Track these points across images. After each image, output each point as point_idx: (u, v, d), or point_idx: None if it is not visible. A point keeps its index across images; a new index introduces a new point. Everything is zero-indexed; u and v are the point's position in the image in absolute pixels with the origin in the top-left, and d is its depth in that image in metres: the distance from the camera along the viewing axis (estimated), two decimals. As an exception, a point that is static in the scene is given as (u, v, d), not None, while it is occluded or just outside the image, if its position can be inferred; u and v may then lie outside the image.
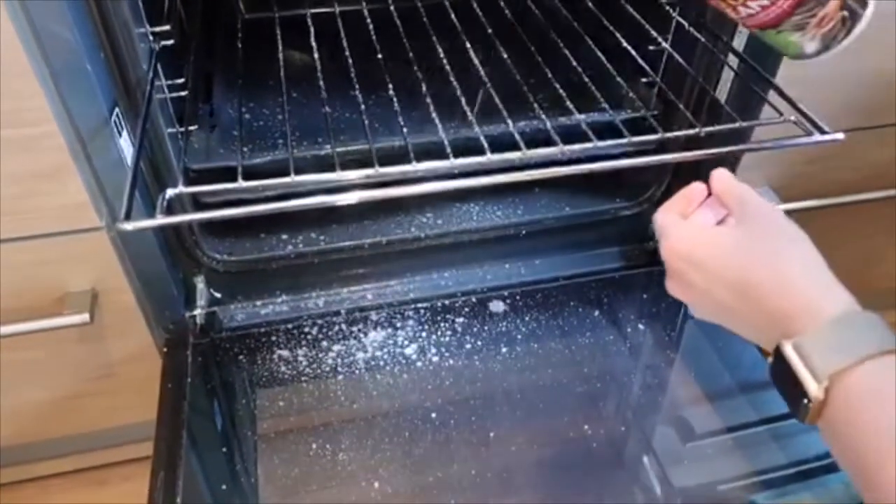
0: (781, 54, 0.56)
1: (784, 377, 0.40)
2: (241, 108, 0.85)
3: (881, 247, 1.00)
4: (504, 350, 0.75)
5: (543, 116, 0.70)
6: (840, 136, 0.60)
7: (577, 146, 0.59)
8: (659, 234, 0.49)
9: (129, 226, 0.52)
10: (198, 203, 0.76)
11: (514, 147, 0.62)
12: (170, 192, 0.57)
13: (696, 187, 0.50)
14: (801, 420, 0.40)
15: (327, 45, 0.81)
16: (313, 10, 0.87)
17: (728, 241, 0.45)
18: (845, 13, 0.50)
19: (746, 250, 0.44)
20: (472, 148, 0.80)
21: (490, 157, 0.60)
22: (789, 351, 0.40)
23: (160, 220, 0.55)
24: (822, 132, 0.61)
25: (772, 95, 0.69)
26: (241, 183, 0.59)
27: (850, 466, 0.39)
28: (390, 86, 0.74)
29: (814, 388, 0.39)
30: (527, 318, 0.79)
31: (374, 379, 0.72)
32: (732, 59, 0.73)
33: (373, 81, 0.85)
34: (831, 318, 0.40)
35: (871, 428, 0.37)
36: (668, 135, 0.62)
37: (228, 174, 0.75)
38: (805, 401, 0.39)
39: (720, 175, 0.50)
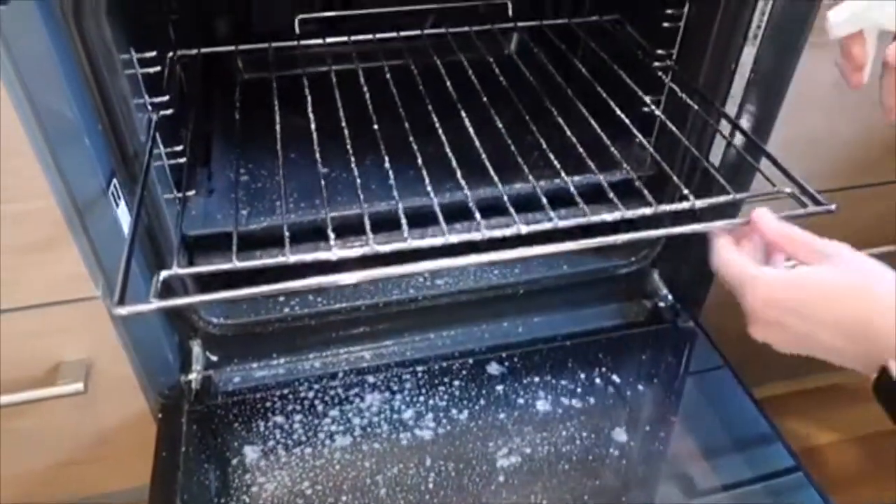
0: None
1: (890, 394, 0.42)
2: (238, 171, 0.85)
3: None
4: (502, 415, 0.74)
5: (534, 182, 0.71)
6: (833, 206, 0.60)
7: (571, 221, 0.59)
8: (735, 285, 0.50)
9: (123, 311, 0.51)
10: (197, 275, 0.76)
11: (508, 211, 0.63)
12: (164, 273, 0.57)
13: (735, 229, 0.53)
14: None
15: (323, 106, 0.82)
16: (309, 70, 0.88)
17: (823, 282, 0.46)
18: None
19: (852, 288, 0.45)
20: (466, 211, 0.81)
21: (484, 233, 0.60)
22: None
23: (154, 304, 0.54)
24: (817, 203, 0.61)
25: (765, 163, 0.69)
26: (236, 263, 0.60)
27: None
28: (383, 148, 0.75)
29: None
30: (525, 381, 0.78)
31: (371, 446, 0.71)
32: (725, 125, 0.74)
33: (367, 142, 0.86)
34: None
35: None
36: (661, 207, 0.62)
37: (227, 240, 0.75)
38: None
39: (767, 216, 0.52)
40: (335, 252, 0.60)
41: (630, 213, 0.62)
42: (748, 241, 0.53)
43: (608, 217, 0.61)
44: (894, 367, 0.42)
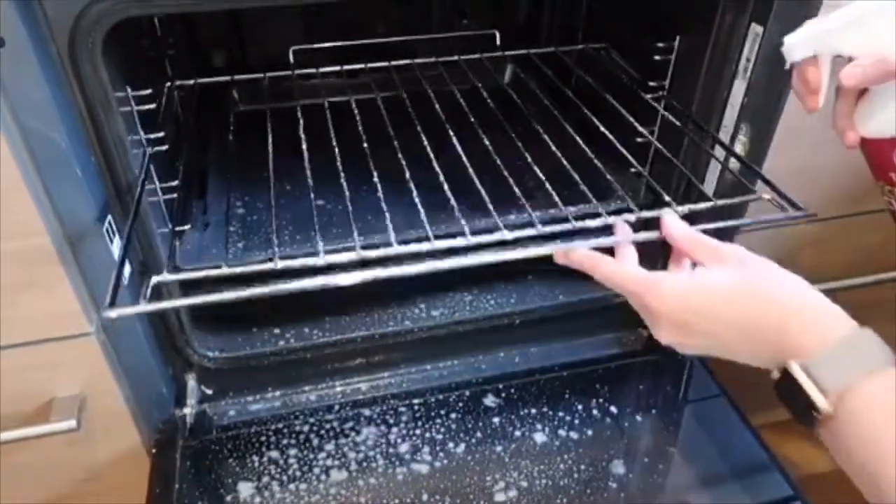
0: None
1: (792, 394, 0.44)
2: (229, 205, 0.86)
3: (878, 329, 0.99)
4: (499, 448, 0.74)
5: (529, 210, 0.71)
6: (811, 211, 0.63)
7: (561, 245, 0.59)
8: (638, 291, 0.51)
9: (113, 313, 0.52)
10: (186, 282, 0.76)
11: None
12: (155, 278, 0.58)
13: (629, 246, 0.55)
14: (808, 429, 0.44)
15: (317, 137, 0.83)
16: (303, 101, 0.89)
17: (723, 284, 0.48)
18: None
19: (745, 290, 0.47)
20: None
21: (469, 239, 0.62)
22: (798, 371, 0.43)
23: (144, 306, 0.55)
24: (797, 208, 0.63)
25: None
26: (225, 269, 0.61)
27: (854, 473, 0.43)
28: (375, 176, 0.75)
29: (823, 404, 0.42)
30: (522, 413, 0.77)
31: (367, 481, 0.70)
32: (719, 152, 0.74)
33: (362, 173, 0.86)
34: (835, 340, 0.43)
35: (873, 439, 0.41)
36: (650, 235, 0.61)
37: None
38: (815, 414, 0.43)
39: (675, 222, 0.54)
40: (323, 258, 0.61)
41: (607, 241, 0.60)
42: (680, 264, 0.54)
43: (596, 242, 0.60)
44: (796, 369, 0.43)
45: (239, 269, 0.61)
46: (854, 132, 0.51)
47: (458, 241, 0.61)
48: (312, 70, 0.95)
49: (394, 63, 0.96)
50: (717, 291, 0.48)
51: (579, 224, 0.64)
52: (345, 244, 0.77)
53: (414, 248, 0.61)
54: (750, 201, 0.68)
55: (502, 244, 0.63)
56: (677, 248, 0.53)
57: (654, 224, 0.56)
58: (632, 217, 0.61)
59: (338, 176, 0.78)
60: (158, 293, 0.70)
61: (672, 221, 0.54)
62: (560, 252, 0.57)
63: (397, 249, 0.61)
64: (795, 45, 0.51)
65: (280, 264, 0.60)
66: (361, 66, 0.96)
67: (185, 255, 0.75)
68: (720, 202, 0.67)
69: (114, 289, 0.54)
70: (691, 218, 0.59)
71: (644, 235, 0.58)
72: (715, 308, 0.47)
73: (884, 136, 0.50)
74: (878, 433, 0.41)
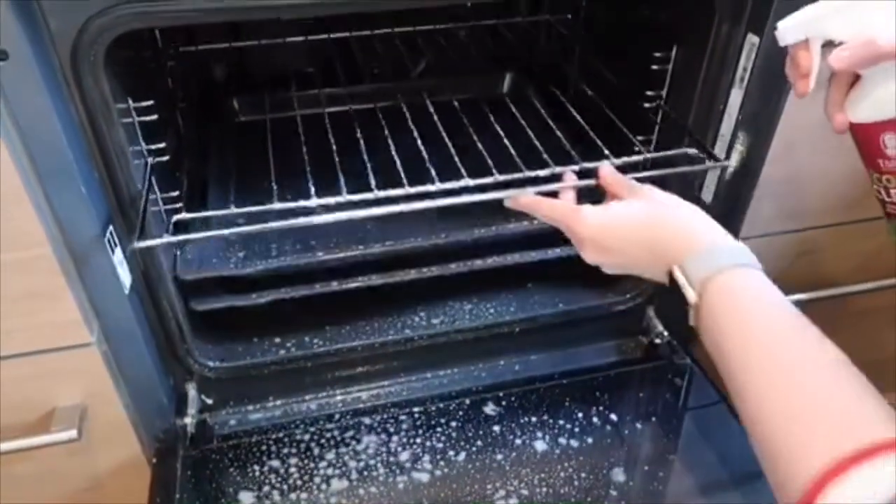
0: None
1: (677, 296, 0.53)
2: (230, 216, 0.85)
3: (875, 335, 1.00)
4: (499, 456, 0.74)
5: (492, 166, 0.73)
6: (727, 162, 0.73)
7: (512, 192, 0.65)
8: (566, 221, 0.61)
9: (142, 244, 0.61)
10: (190, 310, 0.76)
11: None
12: (176, 217, 0.67)
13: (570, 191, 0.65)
14: (691, 324, 0.52)
15: (318, 147, 0.83)
16: (303, 112, 0.89)
17: (632, 212, 0.58)
18: None
19: (648, 217, 0.57)
20: (464, 249, 0.81)
21: (438, 185, 0.69)
22: (676, 271, 0.53)
23: (168, 238, 0.65)
24: (714, 159, 0.72)
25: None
26: (232, 209, 0.69)
27: (712, 353, 0.49)
28: (376, 187, 0.76)
29: (691, 294, 0.51)
30: (522, 421, 0.77)
31: (368, 490, 0.70)
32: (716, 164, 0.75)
33: (362, 182, 0.86)
34: (706, 244, 0.53)
35: (724, 322, 0.49)
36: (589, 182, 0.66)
37: (223, 281, 0.76)
38: (687, 307, 0.51)
39: (607, 168, 0.64)
40: (314, 201, 0.69)
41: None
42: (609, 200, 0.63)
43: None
44: (675, 269, 0.53)
45: (245, 210, 0.69)
46: (843, 115, 0.52)
47: (429, 187, 0.69)
48: (314, 91, 0.97)
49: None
50: (628, 218, 0.58)
51: (531, 174, 0.71)
52: (348, 252, 0.78)
53: (392, 192, 0.68)
54: (676, 154, 0.74)
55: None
56: (607, 189, 0.63)
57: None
58: (576, 167, 0.69)
59: (336, 182, 0.79)
60: (156, 295, 0.71)
61: (605, 168, 0.64)
62: (510, 198, 0.65)
63: (377, 194, 0.68)
64: (788, 28, 0.52)
65: (277, 206, 0.69)
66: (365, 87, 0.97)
67: (186, 265, 0.75)
68: (650, 155, 0.74)
69: (141, 221, 0.62)
70: (625, 170, 0.66)
71: (584, 182, 0.66)
72: (625, 231, 0.58)
73: (872, 121, 0.50)
74: (726, 315, 0.49)
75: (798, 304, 0.83)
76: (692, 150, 0.73)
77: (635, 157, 0.73)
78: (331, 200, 0.68)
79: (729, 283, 0.50)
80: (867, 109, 0.51)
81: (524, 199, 0.64)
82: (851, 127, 0.52)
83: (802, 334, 0.46)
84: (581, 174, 0.67)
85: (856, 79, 0.51)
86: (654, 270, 0.56)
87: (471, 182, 0.70)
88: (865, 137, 0.52)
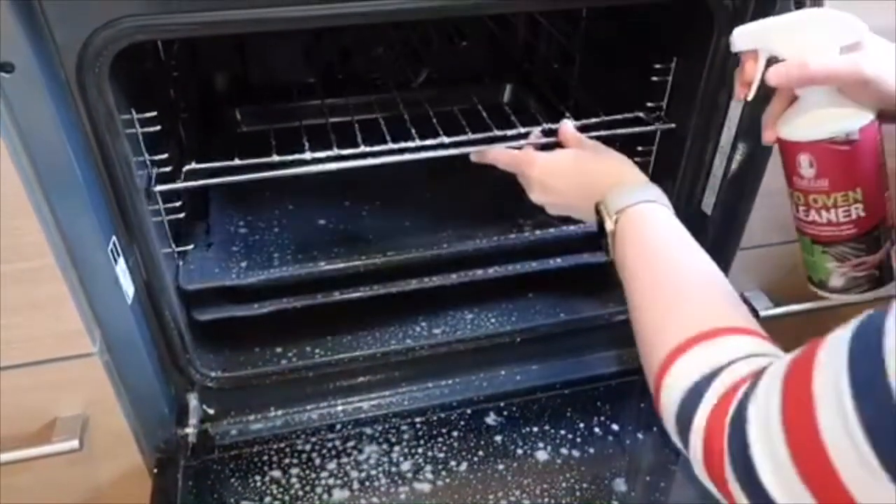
0: (808, 270, 0.57)
1: (599, 228, 0.61)
2: (232, 225, 0.87)
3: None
4: (501, 466, 0.74)
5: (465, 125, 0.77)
6: (671, 125, 0.78)
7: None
8: (518, 163, 0.69)
9: (160, 188, 0.67)
10: (192, 320, 0.76)
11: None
12: (187, 167, 0.71)
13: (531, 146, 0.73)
14: (608, 256, 0.60)
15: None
16: (306, 122, 0.90)
17: (573, 155, 0.68)
18: (877, 272, 0.53)
19: (584, 159, 0.67)
20: (465, 259, 0.81)
21: (418, 142, 0.75)
22: (599, 205, 0.61)
23: (181, 184, 0.70)
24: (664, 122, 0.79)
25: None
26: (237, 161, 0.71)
27: (622, 278, 0.57)
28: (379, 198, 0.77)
29: (608, 223, 0.59)
30: (524, 431, 0.77)
31: (369, 500, 0.70)
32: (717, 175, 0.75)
33: (365, 192, 0.87)
34: (626, 184, 0.61)
35: (628, 243, 0.57)
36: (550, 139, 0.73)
37: (225, 292, 0.76)
38: (606, 238, 0.59)
39: (567, 124, 0.72)
40: (309, 154, 0.72)
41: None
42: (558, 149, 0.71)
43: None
44: (599, 204, 0.61)
45: (248, 161, 0.72)
46: (772, 131, 0.54)
47: (409, 143, 0.75)
48: (317, 101, 0.98)
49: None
50: (567, 161, 0.67)
51: (500, 132, 0.76)
52: (350, 262, 0.78)
53: (377, 147, 0.74)
54: (627, 119, 0.80)
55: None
56: (563, 143, 0.71)
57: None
58: (540, 127, 0.77)
59: (341, 196, 0.80)
60: (158, 305, 0.71)
61: (564, 124, 0.72)
62: (477, 152, 0.73)
63: (364, 149, 0.74)
64: (740, 36, 0.54)
65: (276, 158, 0.72)
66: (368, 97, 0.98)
67: (189, 275, 0.76)
68: (607, 118, 0.79)
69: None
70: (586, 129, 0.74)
71: (545, 140, 0.74)
72: (564, 172, 0.67)
73: (793, 140, 0.52)
74: (630, 237, 0.57)
75: (794, 315, 0.84)
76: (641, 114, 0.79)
77: (593, 119, 0.78)
78: (322, 154, 0.73)
79: (638, 213, 0.58)
80: (792, 128, 0.53)
81: (490, 153, 0.72)
82: (777, 141, 0.54)
83: (685, 251, 0.55)
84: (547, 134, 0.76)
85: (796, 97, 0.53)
86: (585, 209, 0.63)
87: (446, 140, 0.75)
88: (785, 154, 0.54)
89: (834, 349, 0.35)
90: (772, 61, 0.53)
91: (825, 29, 0.50)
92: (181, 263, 0.77)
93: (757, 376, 0.40)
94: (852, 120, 0.50)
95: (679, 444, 0.46)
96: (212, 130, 1.01)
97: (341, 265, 0.78)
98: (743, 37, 0.54)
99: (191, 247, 0.79)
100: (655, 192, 0.61)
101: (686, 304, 0.50)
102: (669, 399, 0.46)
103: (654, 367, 0.48)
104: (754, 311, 0.85)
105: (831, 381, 0.34)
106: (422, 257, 0.79)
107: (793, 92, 0.53)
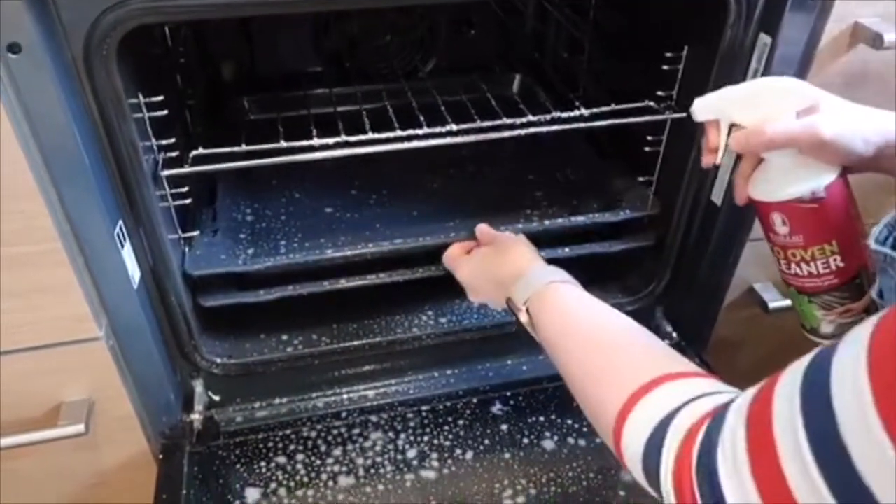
0: (800, 318, 0.59)
1: (517, 322, 0.64)
2: (239, 212, 0.87)
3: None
4: (507, 455, 0.73)
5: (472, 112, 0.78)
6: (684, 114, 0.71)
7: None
8: (453, 268, 0.75)
9: (167, 172, 0.67)
10: (197, 306, 0.76)
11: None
12: (194, 152, 0.70)
13: (464, 245, 0.77)
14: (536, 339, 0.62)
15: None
16: (314, 111, 0.89)
17: (481, 255, 0.73)
18: (865, 316, 0.54)
19: (492, 259, 0.71)
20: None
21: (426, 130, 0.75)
22: (509, 302, 0.65)
23: (188, 169, 0.69)
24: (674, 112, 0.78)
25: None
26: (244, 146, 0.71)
27: (552, 358, 0.58)
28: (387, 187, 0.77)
29: (522, 317, 0.62)
30: (530, 420, 0.77)
31: (375, 487, 0.70)
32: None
33: (373, 181, 0.86)
34: (526, 273, 0.65)
35: (545, 326, 0.60)
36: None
37: (231, 278, 0.75)
38: (526, 327, 0.62)
39: (484, 227, 0.77)
40: (317, 140, 0.72)
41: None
42: (475, 248, 0.76)
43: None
44: (507, 301, 0.65)
45: (254, 147, 0.73)
46: (743, 191, 0.56)
47: (417, 131, 0.75)
48: (325, 90, 0.98)
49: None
50: (477, 262, 0.72)
51: (509, 120, 0.77)
52: (357, 250, 0.78)
53: (384, 135, 0.74)
54: (637, 109, 0.79)
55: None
56: (480, 242, 0.76)
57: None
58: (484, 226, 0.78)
59: (348, 184, 0.79)
60: (164, 290, 0.71)
61: (480, 226, 0.77)
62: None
63: (371, 136, 0.74)
64: (701, 108, 0.57)
65: (284, 144, 0.72)
66: (376, 86, 0.98)
67: (195, 261, 0.75)
68: (617, 107, 0.79)
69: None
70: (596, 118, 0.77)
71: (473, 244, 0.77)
72: (477, 274, 0.72)
73: (764, 199, 0.54)
74: (546, 322, 0.59)
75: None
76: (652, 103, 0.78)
77: (606, 108, 0.79)
78: (329, 140, 0.73)
79: (545, 296, 0.61)
80: (760, 189, 0.55)
81: (449, 250, 0.77)
82: (750, 201, 0.56)
83: (603, 316, 0.57)
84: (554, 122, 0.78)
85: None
86: (501, 296, 0.67)
87: (454, 127, 0.75)
88: (759, 212, 0.56)
89: (789, 387, 0.34)
90: (734, 127, 0.55)
91: (781, 95, 0.52)
92: (187, 249, 0.76)
93: (717, 413, 0.39)
94: (817, 179, 0.51)
95: (654, 494, 0.44)
96: (219, 118, 1.01)
97: (348, 252, 0.77)
98: (703, 108, 0.56)
99: (196, 233, 0.78)
100: (551, 271, 0.64)
101: (620, 365, 0.50)
102: (632, 457, 0.45)
103: (608, 434, 0.48)
104: (763, 304, 0.84)
105: (789, 426, 0.33)
106: (429, 245, 0.78)
107: (757, 155, 0.55)
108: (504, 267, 0.68)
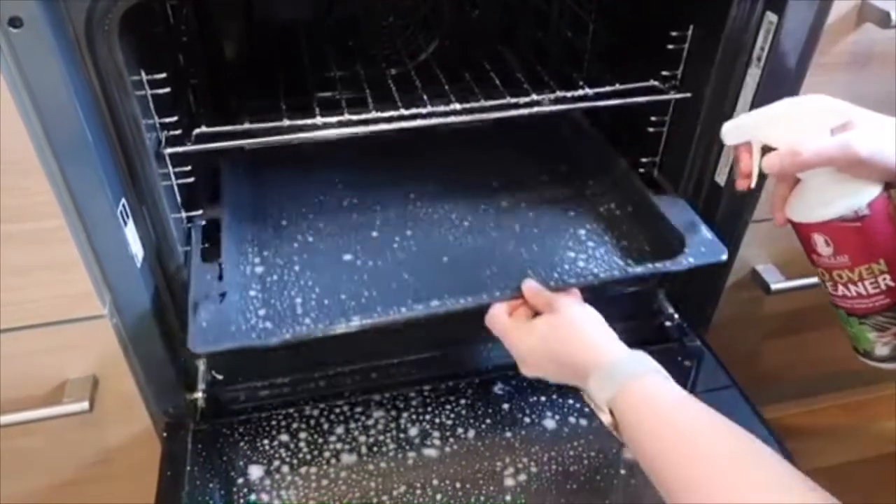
0: (851, 341, 0.58)
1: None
2: (248, 265, 0.80)
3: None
4: (509, 434, 0.74)
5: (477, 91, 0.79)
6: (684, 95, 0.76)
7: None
8: (502, 335, 0.66)
9: (169, 150, 0.67)
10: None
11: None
12: (197, 130, 0.70)
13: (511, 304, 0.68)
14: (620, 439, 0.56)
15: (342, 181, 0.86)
16: (318, 95, 0.89)
17: (541, 329, 0.63)
18: None
19: (557, 335, 0.62)
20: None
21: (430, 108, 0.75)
22: (586, 398, 0.59)
23: (190, 147, 0.69)
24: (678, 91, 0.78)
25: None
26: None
27: (639, 460, 0.53)
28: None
29: (605, 418, 0.56)
30: (532, 400, 0.77)
31: (377, 465, 0.71)
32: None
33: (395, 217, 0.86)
34: (601, 365, 0.57)
35: (637, 436, 0.53)
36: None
37: (240, 354, 0.69)
38: (607, 427, 0.56)
39: (530, 283, 0.68)
40: (319, 119, 0.72)
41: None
42: (521, 308, 0.68)
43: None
44: (585, 396, 0.59)
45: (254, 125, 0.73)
46: (781, 214, 0.56)
47: (421, 110, 0.74)
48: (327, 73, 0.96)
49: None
50: (540, 339, 0.63)
51: (514, 100, 0.77)
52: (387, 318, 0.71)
53: (387, 114, 0.74)
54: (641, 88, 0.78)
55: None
56: (531, 305, 0.67)
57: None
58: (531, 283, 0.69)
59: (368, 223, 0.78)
60: (167, 269, 0.70)
61: (526, 284, 0.68)
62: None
63: (375, 114, 0.74)
64: (730, 130, 0.56)
65: (286, 122, 0.72)
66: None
67: (200, 337, 0.65)
68: (621, 87, 0.78)
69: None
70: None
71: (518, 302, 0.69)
72: (539, 351, 0.63)
73: (804, 221, 0.54)
74: (635, 427, 0.53)
75: (806, 288, 0.84)
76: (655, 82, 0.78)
77: (608, 88, 0.78)
78: (332, 119, 0.72)
79: (629, 397, 0.54)
80: (800, 210, 0.54)
81: (492, 309, 0.68)
82: (792, 223, 0.55)
83: (701, 423, 0.51)
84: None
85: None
86: (569, 381, 0.62)
87: (458, 106, 0.74)
88: (800, 234, 0.55)
89: None
90: (766, 149, 0.53)
91: (812, 114, 0.51)
92: (192, 317, 0.66)
93: None
94: (858, 197, 0.50)
95: None
96: (221, 98, 1.01)
97: (379, 321, 0.68)
98: (733, 131, 0.55)
99: (200, 211, 0.78)
100: (633, 359, 0.57)
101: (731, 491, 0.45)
102: None
103: None
104: (765, 285, 0.84)
105: None
106: (470, 308, 0.70)
107: (793, 177, 0.54)
108: (576, 353, 0.60)
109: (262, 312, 0.72)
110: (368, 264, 0.79)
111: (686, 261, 0.72)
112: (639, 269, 0.74)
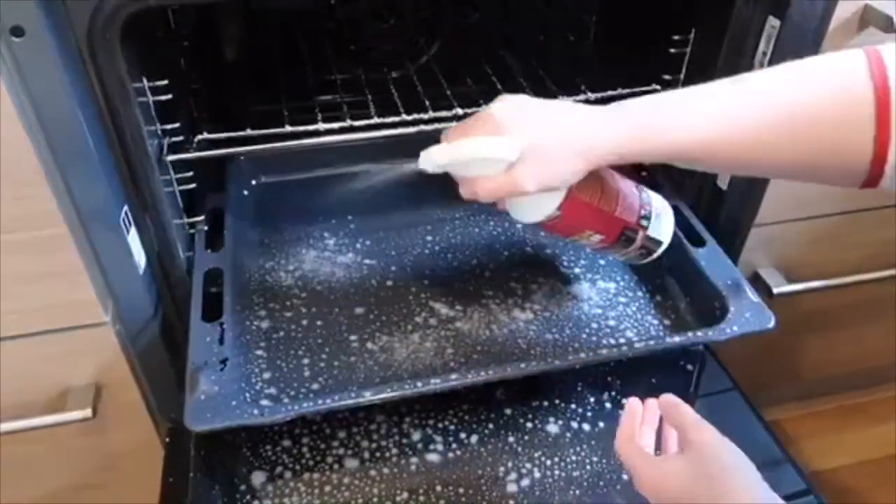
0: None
1: None
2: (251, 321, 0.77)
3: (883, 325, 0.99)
4: (511, 439, 0.74)
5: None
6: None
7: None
8: (629, 467, 0.57)
9: (171, 157, 0.69)
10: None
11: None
12: (199, 137, 0.73)
13: (636, 406, 0.61)
14: None
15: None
16: (319, 99, 0.89)
17: (681, 473, 0.53)
18: (643, 251, 0.70)
19: (692, 483, 0.52)
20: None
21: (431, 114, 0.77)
22: None
23: (193, 154, 0.71)
24: None
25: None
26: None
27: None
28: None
29: None
30: (534, 404, 0.77)
31: (380, 470, 0.71)
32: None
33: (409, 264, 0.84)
34: None
35: None
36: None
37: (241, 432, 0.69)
38: None
39: (667, 400, 0.60)
40: (321, 125, 0.74)
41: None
42: (646, 426, 0.62)
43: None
44: None
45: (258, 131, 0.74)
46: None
47: (423, 115, 0.76)
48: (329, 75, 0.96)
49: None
50: (674, 480, 0.53)
51: None
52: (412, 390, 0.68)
53: (390, 119, 0.76)
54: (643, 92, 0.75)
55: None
56: (665, 420, 0.60)
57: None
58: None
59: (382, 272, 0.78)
60: (169, 276, 0.70)
61: (668, 401, 0.59)
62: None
63: (377, 120, 0.76)
64: (426, 160, 0.60)
65: (288, 128, 0.74)
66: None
67: (198, 413, 0.60)
68: (624, 91, 0.79)
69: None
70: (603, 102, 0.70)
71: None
72: (686, 494, 0.52)
73: (523, 222, 0.66)
74: None
75: (808, 292, 0.84)
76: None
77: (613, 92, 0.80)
78: (335, 125, 0.74)
79: None
80: (517, 214, 0.65)
81: (620, 435, 0.60)
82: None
83: None
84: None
85: None
86: None
87: (460, 111, 0.76)
88: (550, 229, 0.66)
89: None
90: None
91: (487, 153, 0.56)
92: (190, 397, 0.61)
93: None
94: (547, 207, 0.62)
95: None
96: (223, 104, 1.00)
97: (396, 394, 0.66)
98: (427, 162, 0.60)
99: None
100: None
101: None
102: None
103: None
104: (768, 289, 0.84)
105: None
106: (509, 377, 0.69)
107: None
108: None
109: (266, 376, 0.70)
110: (382, 318, 0.77)
111: (730, 329, 0.71)
112: (676, 339, 0.72)
